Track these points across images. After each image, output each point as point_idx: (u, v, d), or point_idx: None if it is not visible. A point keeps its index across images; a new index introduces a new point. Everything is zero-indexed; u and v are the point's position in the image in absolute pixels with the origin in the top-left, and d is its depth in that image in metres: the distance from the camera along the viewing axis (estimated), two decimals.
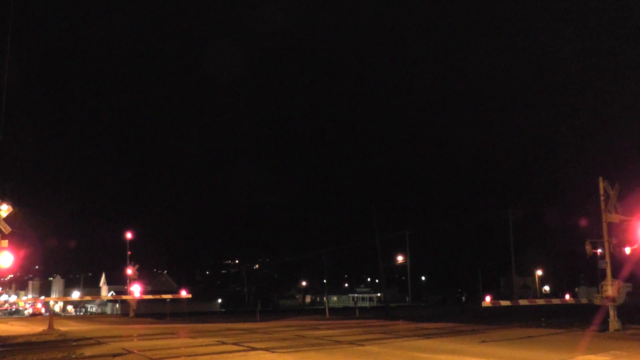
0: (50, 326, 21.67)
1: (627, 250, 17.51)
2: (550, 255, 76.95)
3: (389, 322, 25.30)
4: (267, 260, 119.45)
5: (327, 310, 37.26)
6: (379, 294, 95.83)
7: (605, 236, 17.71)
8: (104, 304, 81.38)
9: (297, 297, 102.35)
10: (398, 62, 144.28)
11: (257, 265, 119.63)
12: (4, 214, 17.43)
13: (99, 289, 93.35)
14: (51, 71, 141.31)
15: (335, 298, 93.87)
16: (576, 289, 65.43)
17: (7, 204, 17.62)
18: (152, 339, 16.75)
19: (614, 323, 17.46)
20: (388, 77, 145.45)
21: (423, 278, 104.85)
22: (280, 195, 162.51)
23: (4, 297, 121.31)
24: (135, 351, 12.83)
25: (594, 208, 18.29)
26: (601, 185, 17.85)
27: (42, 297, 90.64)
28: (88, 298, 61.03)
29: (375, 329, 20.24)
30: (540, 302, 24.26)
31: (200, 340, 15.57)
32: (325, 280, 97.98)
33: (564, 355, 11.82)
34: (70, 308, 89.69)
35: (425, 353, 11.93)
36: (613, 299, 17.57)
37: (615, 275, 17.82)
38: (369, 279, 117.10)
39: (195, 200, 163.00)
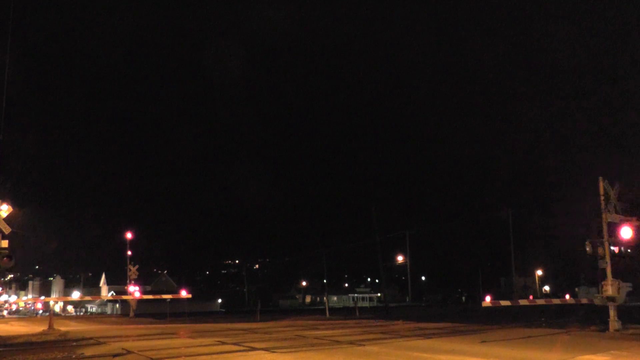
0: (50, 326, 21.67)
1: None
2: (550, 255, 77.01)
3: (389, 322, 25.29)
4: (267, 260, 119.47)
5: (327, 310, 37.24)
6: (379, 294, 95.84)
7: (605, 236, 17.70)
8: (104, 304, 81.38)
9: (297, 297, 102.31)
10: (398, 61, 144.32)
11: (257, 265, 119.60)
12: (4, 214, 17.44)
13: (99, 289, 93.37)
14: (51, 71, 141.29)
15: (335, 298, 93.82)
16: (576, 289, 65.44)
17: (7, 204, 17.63)
18: (152, 339, 16.74)
19: (614, 323, 17.45)
20: (388, 76, 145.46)
21: (423, 278, 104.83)
22: (280, 195, 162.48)
23: (4, 297, 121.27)
24: (135, 351, 12.83)
25: (594, 208, 18.28)
26: (601, 185, 17.84)
27: (42, 297, 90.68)
28: (88, 298, 61.03)
29: (375, 329, 20.24)
30: (540, 302, 24.29)
31: (200, 340, 15.57)
32: (325, 280, 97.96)
33: (564, 355, 11.82)
34: (70, 308, 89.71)
35: (425, 353, 11.93)
36: (613, 299, 17.57)
37: (615, 275, 17.83)
38: (369, 279, 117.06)
39: (195, 200, 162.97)
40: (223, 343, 14.60)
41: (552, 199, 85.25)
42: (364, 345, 13.75)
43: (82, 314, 78.37)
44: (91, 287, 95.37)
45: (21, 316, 76.60)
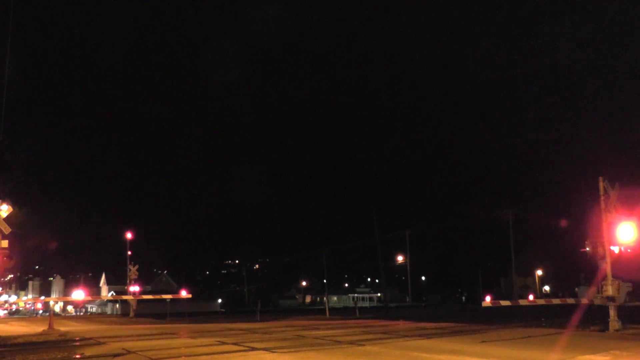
0: (51, 326, 21.67)
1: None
2: (550, 255, 76.90)
3: (389, 322, 25.30)
4: (267, 260, 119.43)
5: (327, 310, 37.28)
6: (379, 294, 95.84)
7: (605, 236, 17.70)
8: (104, 304, 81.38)
9: (297, 297, 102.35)
10: (398, 62, 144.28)
11: (257, 265, 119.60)
12: (4, 214, 17.46)
13: (99, 289, 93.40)
14: (51, 71, 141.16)
15: (335, 298, 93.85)
16: (576, 289, 65.38)
17: (7, 204, 17.65)
18: (152, 339, 16.75)
19: (614, 323, 17.45)
20: (388, 77, 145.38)
21: (423, 278, 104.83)
22: (280, 195, 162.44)
23: (4, 297, 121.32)
24: (136, 351, 12.83)
25: (594, 208, 18.28)
26: (601, 185, 17.84)
27: (42, 297, 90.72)
28: (88, 298, 60.97)
29: (375, 328, 20.24)
30: (540, 302, 24.29)
31: (200, 340, 15.57)
32: (325, 280, 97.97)
33: (564, 355, 11.82)
34: (70, 308, 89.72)
35: (425, 353, 11.93)
36: (613, 299, 17.57)
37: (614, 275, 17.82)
38: (369, 279, 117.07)
39: (195, 200, 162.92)
40: (223, 343, 14.60)
41: (552, 199, 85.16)
42: (364, 345, 13.75)
43: (82, 314, 78.35)
44: (91, 287, 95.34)
45: (21, 316, 76.63)
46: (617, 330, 17.20)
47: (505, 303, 22.51)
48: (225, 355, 12.04)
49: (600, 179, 17.88)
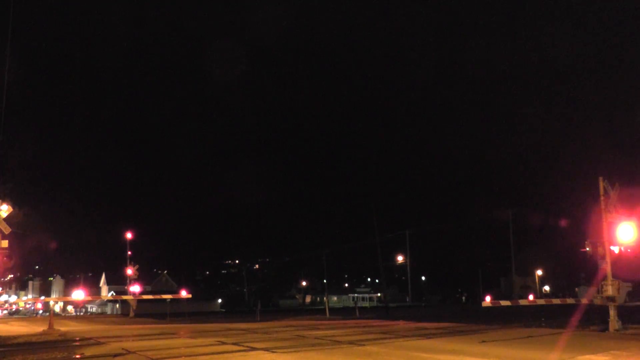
0: (50, 326, 21.66)
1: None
2: (550, 255, 76.96)
3: (389, 322, 25.29)
4: (267, 260, 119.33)
5: (327, 310, 37.28)
6: (379, 294, 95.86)
7: (605, 236, 17.70)
8: (104, 304, 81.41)
9: (297, 297, 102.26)
10: (398, 62, 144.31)
11: (257, 265, 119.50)
12: (4, 214, 17.47)
13: (99, 289, 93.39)
14: (51, 71, 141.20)
15: (335, 298, 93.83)
16: (576, 289, 65.41)
17: (7, 204, 17.66)
18: (152, 339, 16.74)
19: (614, 323, 17.45)
20: (388, 77, 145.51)
21: (423, 278, 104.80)
22: (280, 195, 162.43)
23: (4, 297, 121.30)
24: (136, 351, 12.83)
25: (594, 208, 18.28)
26: (601, 185, 17.84)
27: (42, 297, 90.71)
28: (88, 298, 61.01)
29: (375, 329, 20.23)
30: (540, 302, 24.30)
31: (200, 340, 15.57)
32: (325, 280, 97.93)
33: (564, 355, 11.82)
34: (70, 308, 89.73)
35: (425, 353, 11.93)
36: (613, 299, 17.57)
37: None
38: (369, 279, 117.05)
39: (195, 199, 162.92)
40: (223, 343, 14.59)
41: (552, 199, 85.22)
42: (364, 345, 13.74)
43: (82, 314, 78.34)
44: (91, 287, 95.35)
45: (21, 316, 76.64)
46: (617, 330, 17.20)
47: (505, 303, 22.52)
48: (225, 355, 12.03)
49: (600, 179, 17.88)
